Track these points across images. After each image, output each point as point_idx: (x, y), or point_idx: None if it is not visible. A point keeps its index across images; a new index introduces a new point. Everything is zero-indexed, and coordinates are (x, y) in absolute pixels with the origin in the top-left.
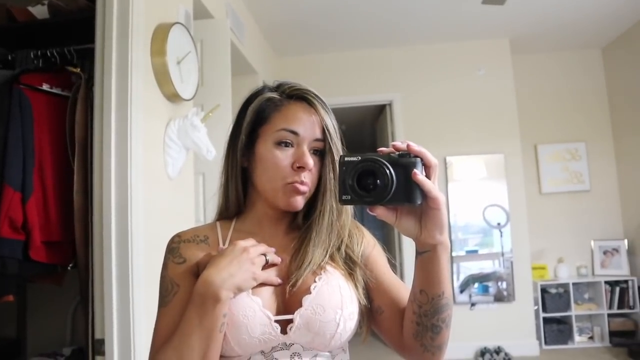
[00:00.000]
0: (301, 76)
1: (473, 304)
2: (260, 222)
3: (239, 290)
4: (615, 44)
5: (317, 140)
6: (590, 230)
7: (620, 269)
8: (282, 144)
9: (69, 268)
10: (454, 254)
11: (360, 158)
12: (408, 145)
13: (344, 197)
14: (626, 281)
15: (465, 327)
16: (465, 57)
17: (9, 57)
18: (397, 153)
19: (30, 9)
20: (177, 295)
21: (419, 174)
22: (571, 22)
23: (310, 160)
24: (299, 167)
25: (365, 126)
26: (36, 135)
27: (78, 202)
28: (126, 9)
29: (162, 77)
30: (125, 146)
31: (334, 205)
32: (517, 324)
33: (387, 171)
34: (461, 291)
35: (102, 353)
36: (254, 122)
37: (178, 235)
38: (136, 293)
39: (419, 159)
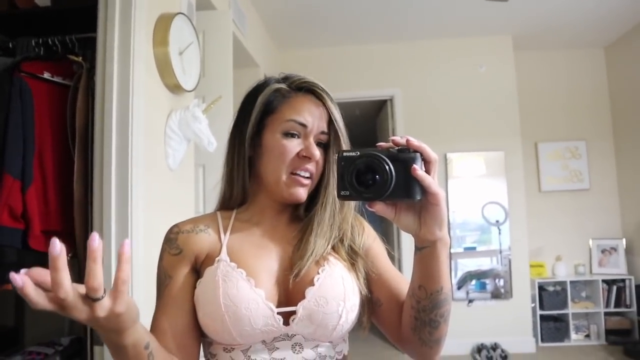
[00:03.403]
0: (302, 70)
1: (470, 301)
2: (262, 212)
3: (104, 329)
4: (618, 44)
5: (323, 133)
6: (589, 229)
7: (617, 268)
8: (289, 134)
9: (68, 258)
10: (452, 250)
11: (359, 153)
12: (407, 140)
13: (342, 193)
14: (623, 280)
15: (462, 324)
16: (467, 53)
17: (10, 45)
18: (397, 148)
19: None
20: (167, 287)
21: (418, 169)
22: (574, 21)
23: (317, 151)
24: (304, 157)
25: (366, 121)
26: (37, 123)
27: (78, 192)
28: None
29: (164, 68)
30: (126, 136)
31: (337, 198)
32: (514, 321)
33: (387, 167)
34: (459, 288)
35: (101, 343)
36: (262, 112)
37: (177, 226)
38: (135, 284)
39: (418, 154)
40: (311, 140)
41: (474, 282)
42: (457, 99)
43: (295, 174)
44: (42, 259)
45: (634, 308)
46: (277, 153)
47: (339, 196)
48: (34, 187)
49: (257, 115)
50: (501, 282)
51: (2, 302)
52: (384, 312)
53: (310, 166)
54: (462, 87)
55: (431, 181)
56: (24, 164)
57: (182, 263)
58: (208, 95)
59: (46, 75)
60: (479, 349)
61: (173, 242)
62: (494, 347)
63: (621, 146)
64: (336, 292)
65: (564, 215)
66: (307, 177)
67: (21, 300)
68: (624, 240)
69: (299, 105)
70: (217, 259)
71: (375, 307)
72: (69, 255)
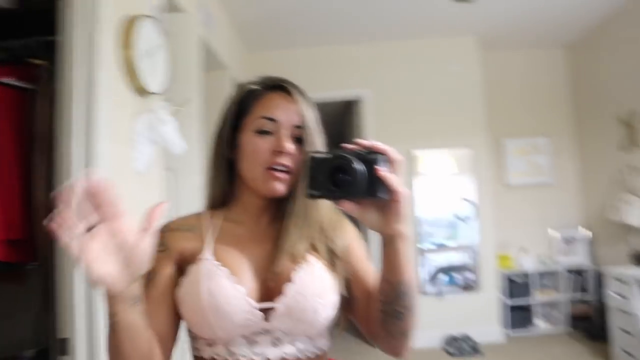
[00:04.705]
0: (272, 71)
1: (441, 294)
2: (246, 211)
3: (103, 283)
4: (579, 44)
5: (297, 127)
6: (553, 221)
7: (579, 258)
8: (261, 132)
9: (31, 266)
10: (421, 246)
11: (328, 154)
12: (373, 144)
13: (311, 192)
14: (585, 269)
15: (434, 316)
16: (435, 53)
17: None
18: (363, 150)
19: None
20: (151, 282)
21: (382, 169)
22: (537, 21)
23: (288, 144)
24: (277, 152)
25: (335, 122)
26: None
27: (39, 199)
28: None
29: (130, 71)
30: (91, 141)
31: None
32: (483, 312)
33: (354, 167)
34: (430, 282)
35: (67, 353)
36: (236, 113)
37: (165, 225)
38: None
39: (383, 155)
40: (283, 133)
41: (444, 276)
42: (425, 99)
43: (271, 169)
44: (4, 268)
45: (595, 295)
46: (251, 151)
47: (309, 196)
48: None
49: (232, 116)
50: (470, 275)
51: None
52: (360, 309)
53: (286, 160)
54: (430, 87)
55: (394, 180)
56: None
57: (167, 260)
58: (176, 98)
59: (5, 80)
60: (450, 340)
61: (159, 239)
62: (465, 337)
63: (583, 142)
64: (315, 289)
65: (529, 209)
66: (284, 171)
67: None
68: (585, 231)
69: (269, 102)
70: (200, 257)
71: (353, 304)
72: (32, 263)
